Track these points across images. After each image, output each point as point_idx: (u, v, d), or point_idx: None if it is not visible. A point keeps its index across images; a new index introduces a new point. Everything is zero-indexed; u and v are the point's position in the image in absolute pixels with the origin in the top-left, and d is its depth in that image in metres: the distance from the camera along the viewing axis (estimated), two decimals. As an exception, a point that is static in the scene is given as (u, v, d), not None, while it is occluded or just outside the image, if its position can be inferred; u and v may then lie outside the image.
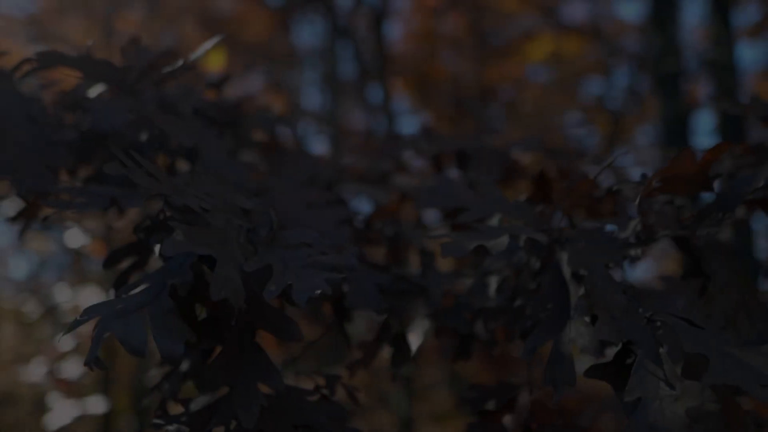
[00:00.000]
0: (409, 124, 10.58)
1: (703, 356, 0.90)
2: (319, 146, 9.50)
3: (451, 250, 1.04)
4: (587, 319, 1.05)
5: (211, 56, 5.90)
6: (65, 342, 4.59)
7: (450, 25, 8.61)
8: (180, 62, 1.24)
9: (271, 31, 7.91)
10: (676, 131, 5.18)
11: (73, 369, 5.01)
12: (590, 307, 1.05)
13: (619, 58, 8.14)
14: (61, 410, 4.84)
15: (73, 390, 5.56)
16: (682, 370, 0.94)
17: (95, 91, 1.41)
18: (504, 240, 1.04)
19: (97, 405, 4.85)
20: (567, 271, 1.13)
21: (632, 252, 1.14)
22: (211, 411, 1.06)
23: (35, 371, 5.89)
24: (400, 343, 1.40)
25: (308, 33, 10.40)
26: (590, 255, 1.13)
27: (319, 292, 0.90)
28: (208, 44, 1.31)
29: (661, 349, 0.96)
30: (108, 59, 1.16)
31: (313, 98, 10.19)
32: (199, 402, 1.13)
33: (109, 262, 1.18)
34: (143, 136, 1.33)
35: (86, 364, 0.88)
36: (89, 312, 0.94)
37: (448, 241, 1.05)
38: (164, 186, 0.97)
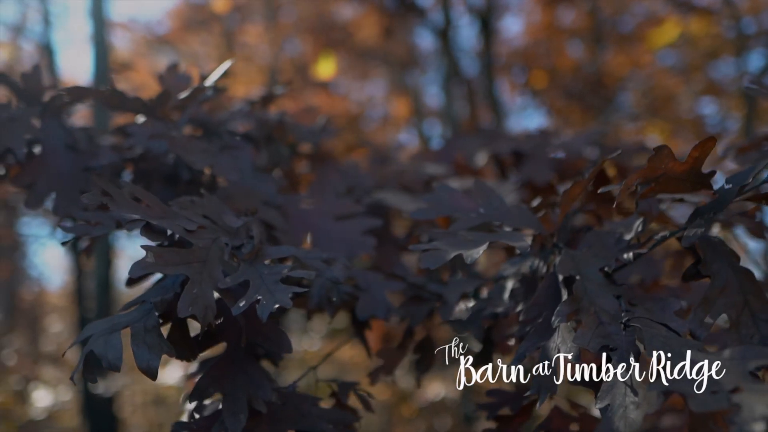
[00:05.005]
0: (529, 118, 10.43)
1: (662, 363, 0.88)
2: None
3: (429, 260, 1.05)
4: (573, 324, 1.04)
5: (321, 63, 6.04)
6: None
7: (570, 16, 8.45)
8: (190, 91, 1.31)
9: (386, 35, 8.01)
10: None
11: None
12: (575, 312, 1.04)
13: (754, 36, 7.72)
14: (197, 411, 5.07)
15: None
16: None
17: (140, 119, 1.51)
18: (481, 249, 1.05)
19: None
20: (560, 277, 1.12)
21: (624, 255, 1.12)
22: (214, 419, 1.12)
23: (174, 373, 6.22)
24: (424, 348, 1.42)
25: (426, 35, 10.44)
26: (583, 259, 1.11)
27: (277, 306, 0.94)
28: (225, 66, 1.38)
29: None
30: (122, 91, 1.25)
31: (437, 98, 10.23)
32: (210, 409, 1.19)
33: (131, 281, 1.26)
34: (170, 159, 1.41)
35: (71, 378, 0.96)
36: (87, 330, 1.02)
37: (426, 252, 1.06)
38: (148, 211, 1.04)
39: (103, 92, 1.25)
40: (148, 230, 1.04)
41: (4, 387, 7.21)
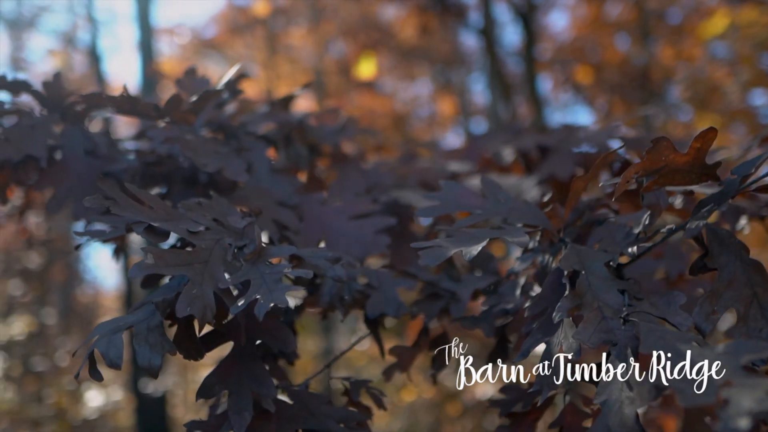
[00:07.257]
0: (574, 114, 10.33)
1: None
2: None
3: (429, 257, 1.05)
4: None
5: (362, 64, 6.06)
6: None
7: (616, 10, 8.36)
8: (200, 93, 1.33)
9: (424, 33, 8.01)
10: None
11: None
12: (577, 307, 1.03)
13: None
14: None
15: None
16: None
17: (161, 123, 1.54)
18: (480, 245, 1.04)
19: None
20: (565, 272, 1.11)
21: (630, 249, 1.10)
22: (226, 417, 1.14)
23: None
24: (440, 346, 1.42)
25: (471, 34, 10.43)
26: (587, 254, 1.10)
27: (272, 305, 0.95)
28: (235, 68, 1.40)
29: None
30: (136, 97, 1.27)
31: (483, 96, 10.20)
32: (221, 407, 1.21)
33: (147, 282, 1.28)
34: (187, 162, 1.44)
35: (75, 377, 0.99)
36: (96, 330, 1.04)
37: (426, 249, 1.06)
38: (152, 213, 1.06)
39: (116, 98, 1.28)
40: (150, 232, 1.07)
41: (58, 387, 7.39)
